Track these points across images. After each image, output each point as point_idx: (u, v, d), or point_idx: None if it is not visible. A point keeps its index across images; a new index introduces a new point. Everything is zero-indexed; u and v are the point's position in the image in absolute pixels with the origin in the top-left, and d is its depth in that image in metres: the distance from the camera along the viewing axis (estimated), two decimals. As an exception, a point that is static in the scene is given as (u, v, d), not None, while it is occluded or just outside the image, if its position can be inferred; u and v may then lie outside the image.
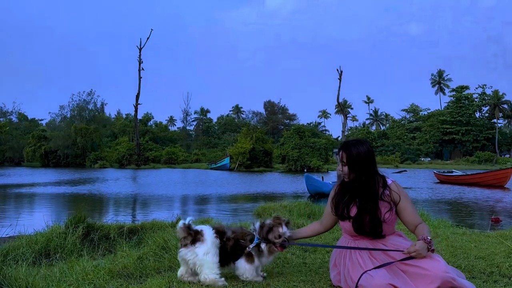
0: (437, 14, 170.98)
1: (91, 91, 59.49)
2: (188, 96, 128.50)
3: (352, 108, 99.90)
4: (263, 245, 3.15)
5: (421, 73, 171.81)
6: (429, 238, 2.90)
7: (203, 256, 2.99)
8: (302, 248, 4.44)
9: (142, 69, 51.47)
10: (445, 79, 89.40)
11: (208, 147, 79.55)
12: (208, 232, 3.09)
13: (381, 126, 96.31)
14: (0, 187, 20.64)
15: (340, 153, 3.21)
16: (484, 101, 79.15)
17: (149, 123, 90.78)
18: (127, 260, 3.67)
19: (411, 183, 25.21)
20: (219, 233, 3.14)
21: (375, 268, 2.88)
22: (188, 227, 3.09)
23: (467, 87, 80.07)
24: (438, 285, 2.72)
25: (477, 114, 79.87)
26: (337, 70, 22.01)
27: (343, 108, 23.42)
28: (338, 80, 22.23)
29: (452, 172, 29.86)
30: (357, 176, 3.13)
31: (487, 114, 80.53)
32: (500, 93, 77.79)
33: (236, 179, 30.73)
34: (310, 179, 17.00)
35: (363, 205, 3.09)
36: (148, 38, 51.88)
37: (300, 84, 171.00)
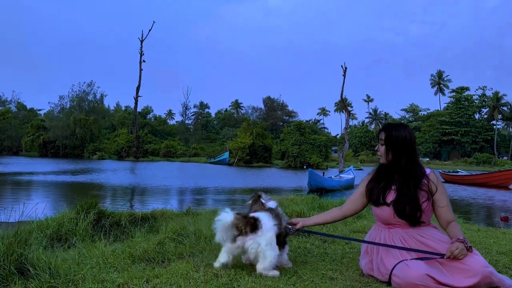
0: (438, 15, 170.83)
1: (91, 82, 59.36)
2: (188, 90, 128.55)
3: (352, 107, 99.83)
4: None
5: (421, 73, 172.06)
6: (462, 237, 2.81)
7: (266, 247, 2.83)
8: (321, 238, 4.35)
9: (143, 61, 51.31)
10: (445, 79, 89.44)
11: (207, 141, 79.56)
12: (267, 219, 2.93)
13: (380, 125, 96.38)
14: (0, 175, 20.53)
15: (381, 133, 3.14)
16: (484, 103, 79.26)
17: (148, 116, 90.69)
18: (146, 245, 3.57)
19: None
20: (277, 219, 2.99)
21: (412, 259, 2.78)
22: (245, 215, 2.92)
23: (467, 88, 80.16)
24: (478, 280, 2.63)
25: (477, 116, 80.00)
26: (342, 66, 21.96)
27: (345, 105, 23.36)
28: (343, 77, 22.09)
29: (457, 172, 30.07)
30: (396, 159, 3.05)
31: (486, 116, 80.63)
32: (500, 95, 77.86)
33: (235, 173, 30.74)
34: (313, 174, 17.08)
35: (403, 189, 3.00)
36: (150, 31, 51.74)
37: (300, 81, 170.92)
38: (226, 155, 47.94)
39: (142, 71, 51.20)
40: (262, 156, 48.66)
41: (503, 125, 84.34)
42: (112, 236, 4.84)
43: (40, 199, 11.69)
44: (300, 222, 3.25)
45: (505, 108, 78.08)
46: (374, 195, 3.12)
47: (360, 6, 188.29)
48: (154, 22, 52.76)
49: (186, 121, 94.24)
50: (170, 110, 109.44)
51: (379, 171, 3.19)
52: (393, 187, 3.06)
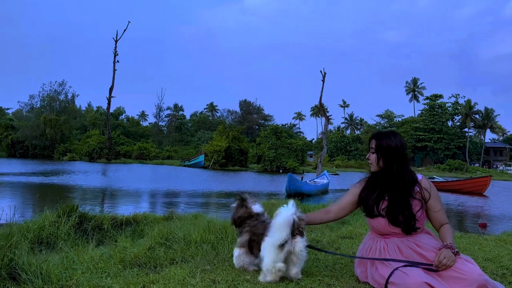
0: (414, 23, 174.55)
1: (62, 82, 58.03)
2: (162, 92, 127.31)
3: (328, 112, 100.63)
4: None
5: (396, 80, 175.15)
6: (450, 242, 2.86)
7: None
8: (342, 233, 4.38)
9: (117, 61, 50.64)
10: (420, 87, 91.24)
11: (181, 144, 78.88)
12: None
13: (355, 130, 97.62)
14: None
15: (371, 141, 3.13)
16: (456, 110, 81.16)
17: (120, 117, 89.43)
18: (137, 250, 3.52)
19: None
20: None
21: (405, 266, 2.79)
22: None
23: (441, 96, 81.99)
24: None
25: (449, 123, 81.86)
26: (321, 72, 22.14)
27: (324, 110, 23.55)
28: (322, 82, 22.29)
29: (433, 178, 30.54)
30: (387, 167, 3.04)
31: (459, 123, 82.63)
32: (472, 103, 79.95)
33: (211, 176, 30.60)
34: (293, 179, 17.15)
35: (394, 198, 3.00)
36: (124, 31, 51.13)
37: (276, 85, 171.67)
38: (201, 158, 47.65)
39: (116, 71, 50.53)
40: (238, 159, 48.56)
41: (475, 132, 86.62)
42: (94, 240, 4.73)
43: (9, 202, 11.36)
44: None
45: (477, 116, 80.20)
46: (368, 207, 3.11)
47: (339, 11, 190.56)
48: (129, 22, 52.36)
49: (160, 123, 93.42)
50: (143, 112, 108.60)
51: (370, 180, 3.18)
52: (386, 197, 3.06)
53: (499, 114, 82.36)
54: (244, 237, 3.03)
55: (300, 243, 2.79)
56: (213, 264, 3.23)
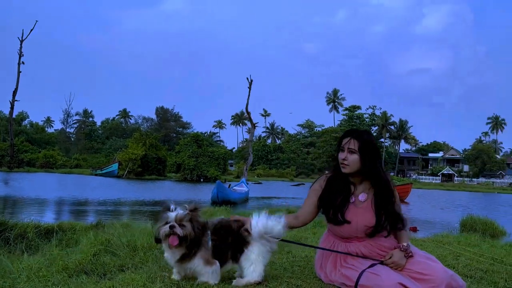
0: (333, 36, 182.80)
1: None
2: (70, 97, 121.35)
3: (248, 120, 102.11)
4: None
5: (317, 90, 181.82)
6: (404, 244, 2.91)
7: None
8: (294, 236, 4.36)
9: (23, 62, 47.53)
10: (340, 98, 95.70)
11: (91, 152, 75.79)
12: None
13: (276, 139, 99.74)
14: None
15: (348, 139, 2.97)
16: (373, 121, 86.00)
17: (23, 123, 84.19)
18: (80, 256, 3.29)
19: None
20: None
21: (369, 267, 2.84)
22: None
23: (359, 107, 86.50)
24: None
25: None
26: (247, 78, 22.37)
27: (250, 117, 23.81)
28: (248, 89, 22.55)
29: None
30: (368, 166, 2.94)
31: (375, 134, 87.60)
32: (388, 115, 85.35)
33: (126, 185, 29.69)
34: (221, 186, 17.14)
35: (380, 203, 2.96)
36: (31, 30, 47.96)
37: (195, 92, 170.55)
38: (114, 166, 45.96)
39: (20, 73, 47.37)
40: (155, 168, 47.48)
41: (390, 143, 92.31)
42: (18, 249, 4.37)
43: None
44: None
45: (392, 127, 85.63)
46: (330, 213, 3.01)
47: (258, 21, 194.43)
48: (36, 21, 48.88)
49: (68, 130, 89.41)
50: (48, 117, 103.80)
51: (332, 182, 3.07)
52: (351, 200, 3.01)
53: (412, 126, 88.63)
54: (208, 249, 2.78)
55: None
56: (167, 269, 3.11)
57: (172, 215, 2.64)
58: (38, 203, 14.36)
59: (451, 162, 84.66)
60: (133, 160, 45.70)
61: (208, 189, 26.28)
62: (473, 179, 71.28)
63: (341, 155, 2.99)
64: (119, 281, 2.73)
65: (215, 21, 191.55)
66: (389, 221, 2.97)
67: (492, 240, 7.40)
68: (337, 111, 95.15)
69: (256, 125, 23.36)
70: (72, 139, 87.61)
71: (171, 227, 2.60)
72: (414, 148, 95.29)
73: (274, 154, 78.58)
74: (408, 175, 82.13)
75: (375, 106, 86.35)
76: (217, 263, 2.77)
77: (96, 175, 46.01)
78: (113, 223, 6.39)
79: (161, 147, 50.93)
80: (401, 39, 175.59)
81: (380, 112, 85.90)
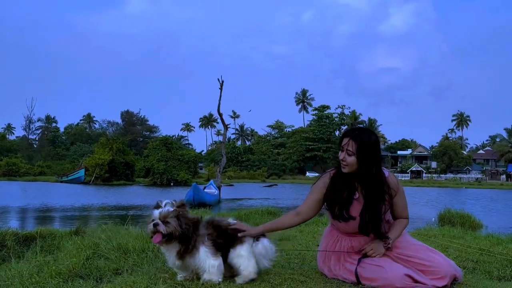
0: (299, 37, 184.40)
1: None
2: (32, 102, 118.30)
3: (217, 122, 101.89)
4: None
5: (285, 91, 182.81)
6: (389, 237, 2.94)
7: None
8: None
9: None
10: (308, 98, 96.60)
11: (55, 158, 74.19)
12: None
13: (246, 141, 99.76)
14: None
15: (347, 140, 2.95)
16: (343, 121, 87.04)
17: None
18: (73, 261, 3.18)
19: (295, 195, 26.68)
20: None
21: (362, 257, 2.94)
22: None
23: (328, 107, 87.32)
24: (448, 279, 2.85)
25: (337, 133, 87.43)
26: (218, 79, 22.16)
27: (223, 119, 23.63)
28: (219, 90, 22.37)
29: None
30: (364, 168, 2.93)
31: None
32: (357, 114, 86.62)
33: (94, 191, 29.18)
34: (197, 189, 17.05)
35: (371, 203, 2.95)
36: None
37: (161, 95, 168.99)
38: (81, 172, 45.09)
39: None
40: (123, 173, 46.75)
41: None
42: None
43: None
44: (246, 231, 2.95)
45: (361, 126, 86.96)
46: (336, 210, 3.02)
47: (225, 22, 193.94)
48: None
49: (30, 136, 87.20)
50: (9, 124, 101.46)
51: (336, 180, 3.06)
52: (355, 196, 3.00)
53: (381, 124, 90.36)
54: (209, 243, 2.76)
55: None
56: (164, 271, 3.03)
57: (156, 212, 2.65)
58: (5, 212, 13.92)
59: (419, 159, 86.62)
60: (100, 165, 44.92)
61: (179, 193, 26.07)
62: (441, 175, 73.10)
63: (340, 155, 3.01)
64: (119, 284, 2.65)
65: (180, 23, 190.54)
66: (372, 225, 2.97)
67: (473, 232, 7.58)
68: (307, 111, 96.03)
69: (228, 126, 23.18)
70: (35, 146, 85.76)
71: (154, 225, 2.61)
72: (383, 146, 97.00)
73: (245, 156, 78.56)
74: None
75: (344, 106, 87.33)
76: (220, 258, 2.75)
77: (62, 182, 45.03)
78: (92, 228, 6.24)
79: (129, 152, 50.24)
80: (369, 39, 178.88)
81: (349, 112, 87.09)
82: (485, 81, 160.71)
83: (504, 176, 72.42)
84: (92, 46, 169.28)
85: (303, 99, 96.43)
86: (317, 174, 30.94)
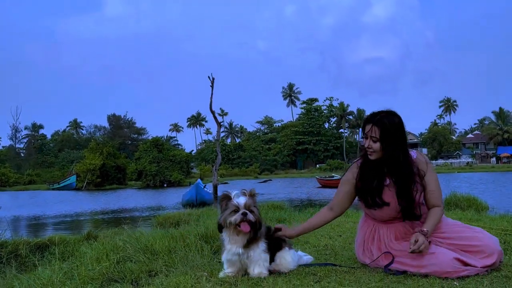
0: (284, 31, 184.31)
1: None
2: (17, 111, 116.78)
3: (206, 121, 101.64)
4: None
5: (272, 86, 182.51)
6: (424, 230, 2.78)
7: None
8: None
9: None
10: (295, 92, 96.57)
11: (43, 166, 73.58)
12: None
13: (236, 138, 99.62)
14: None
15: (370, 127, 2.90)
16: (332, 113, 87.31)
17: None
18: (106, 265, 3.05)
19: (290, 189, 26.66)
20: None
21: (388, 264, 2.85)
22: None
23: (316, 100, 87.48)
24: (496, 258, 2.78)
25: (326, 125, 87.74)
26: (209, 77, 21.85)
27: (215, 116, 23.31)
28: (211, 87, 22.09)
29: (333, 176, 32.94)
30: (389, 153, 2.88)
31: (335, 125, 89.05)
32: (345, 105, 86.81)
33: (87, 197, 28.90)
34: (200, 188, 16.91)
35: (402, 189, 2.88)
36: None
37: (147, 97, 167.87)
38: (72, 179, 44.69)
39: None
40: (115, 177, 46.39)
41: (349, 132, 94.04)
42: (14, 267, 4.03)
43: None
44: (283, 230, 3.03)
45: (350, 117, 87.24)
46: (369, 198, 2.97)
47: (209, 21, 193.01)
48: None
49: (17, 145, 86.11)
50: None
51: (364, 169, 3.02)
52: (386, 183, 2.94)
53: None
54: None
55: None
56: (201, 270, 2.90)
57: (241, 202, 2.68)
58: (5, 222, 13.66)
59: (410, 146, 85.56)
60: (91, 170, 44.54)
61: (174, 194, 25.93)
62: (432, 161, 73.37)
63: (365, 143, 2.96)
64: (162, 285, 2.51)
65: (162, 22, 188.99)
66: (407, 209, 2.92)
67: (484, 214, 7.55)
68: (295, 105, 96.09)
69: (221, 123, 23.04)
70: (23, 155, 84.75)
71: (244, 214, 2.63)
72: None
73: (235, 153, 78.47)
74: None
75: (332, 98, 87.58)
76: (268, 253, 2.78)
77: (53, 189, 44.61)
78: (105, 232, 6.10)
79: (119, 155, 49.87)
80: (352, 30, 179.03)
81: (338, 103, 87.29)
82: (470, 66, 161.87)
83: (494, 159, 73.17)
84: (72, 51, 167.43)
85: (290, 93, 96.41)
86: (338, 177, 31.04)
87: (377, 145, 2.87)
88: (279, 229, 3.01)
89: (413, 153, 3.02)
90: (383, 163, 2.93)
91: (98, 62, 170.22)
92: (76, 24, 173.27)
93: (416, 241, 2.72)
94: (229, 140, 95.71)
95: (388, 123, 2.86)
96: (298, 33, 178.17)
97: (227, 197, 2.74)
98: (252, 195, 2.74)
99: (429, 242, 2.78)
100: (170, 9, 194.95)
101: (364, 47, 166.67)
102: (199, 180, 23.34)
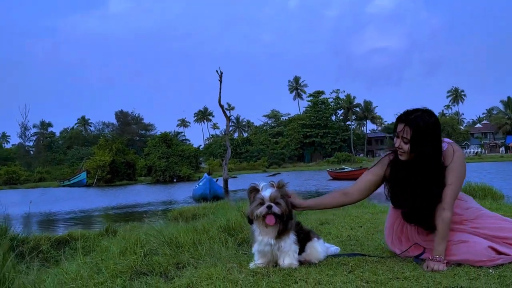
0: (288, 24, 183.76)
1: None
2: (26, 109, 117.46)
3: (213, 116, 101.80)
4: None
5: (279, 79, 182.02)
6: (437, 257, 2.60)
7: None
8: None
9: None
10: (302, 84, 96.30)
11: (53, 164, 74.13)
12: None
13: (243, 133, 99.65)
14: None
15: (402, 126, 2.74)
16: (338, 105, 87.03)
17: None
18: (133, 258, 3.04)
19: (299, 181, 26.68)
20: None
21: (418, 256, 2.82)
22: None
23: (322, 92, 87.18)
24: None
25: (333, 118, 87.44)
26: (217, 71, 21.93)
27: (224, 110, 23.40)
28: (219, 82, 22.14)
29: (343, 169, 32.96)
30: (422, 154, 2.73)
31: (341, 117, 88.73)
32: (352, 97, 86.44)
33: (99, 193, 29.03)
34: (212, 182, 16.95)
35: (431, 195, 2.73)
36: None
37: (155, 92, 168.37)
38: (83, 175, 44.94)
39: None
40: (125, 173, 46.60)
41: (356, 125, 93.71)
42: (37, 263, 4.03)
43: None
44: (296, 201, 2.83)
45: (357, 109, 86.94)
46: (397, 197, 2.91)
47: (211, 15, 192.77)
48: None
49: (27, 143, 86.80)
50: (4, 133, 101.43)
51: (396, 168, 2.89)
52: (416, 187, 2.79)
53: (377, 106, 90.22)
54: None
55: None
56: (229, 261, 2.87)
57: (266, 194, 2.62)
58: (17, 219, 13.75)
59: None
60: (101, 167, 44.77)
61: (184, 188, 25.97)
62: (440, 152, 73.16)
63: (396, 142, 2.81)
64: (195, 276, 2.48)
65: (167, 18, 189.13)
66: (420, 215, 2.81)
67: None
68: (301, 98, 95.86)
69: (230, 118, 23.02)
70: (32, 153, 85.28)
71: (269, 207, 2.59)
72: (380, 128, 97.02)
73: (243, 147, 78.48)
74: (377, 155, 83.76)
75: (339, 90, 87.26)
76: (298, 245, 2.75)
77: (64, 186, 44.89)
78: (124, 227, 6.10)
79: (129, 151, 50.09)
80: (357, 20, 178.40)
81: (345, 95, 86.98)
82: (477, 55, 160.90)
83: (503, 148, 72.67)
84: (79, 49, 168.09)
85: (296, 86, 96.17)
86: (348, 169, 31.26)
87: (407, 147, 2.73)
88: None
89: (445, 144, 2.81)
90: (414, 166, 2.77)
91: (104, 59, 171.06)
92: (81, 21, 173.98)
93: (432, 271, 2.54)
94: (236, 135, 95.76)
95: (422, 125, 2.69)
96: (302, 26, 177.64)
97: (254, 190, 2.70)
98: (280, 187, 2.69)
99: (447, 262, 2.61)
100: (174, 4, 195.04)
101: (370, 38, 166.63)
102: (205, 174, 23.30)
